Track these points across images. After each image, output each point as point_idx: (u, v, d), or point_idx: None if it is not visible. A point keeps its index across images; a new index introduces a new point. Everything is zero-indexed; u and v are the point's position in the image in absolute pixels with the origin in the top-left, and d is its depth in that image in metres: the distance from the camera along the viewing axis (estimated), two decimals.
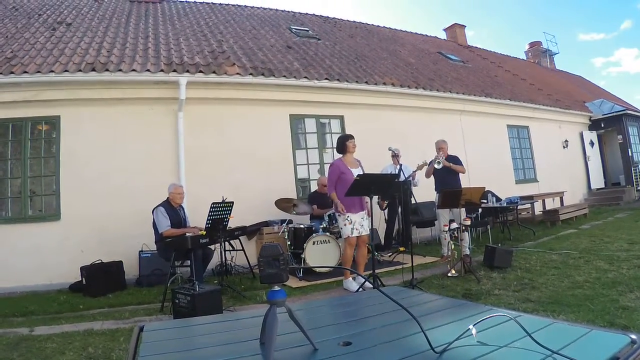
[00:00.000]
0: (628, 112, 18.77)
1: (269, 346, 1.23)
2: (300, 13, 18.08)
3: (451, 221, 7.69)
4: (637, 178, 17.81)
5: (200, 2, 16.19)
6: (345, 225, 6.34)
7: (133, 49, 9.63)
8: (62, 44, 9.34)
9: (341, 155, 6.72)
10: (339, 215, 6.41)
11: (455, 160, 8.32)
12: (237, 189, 8.78)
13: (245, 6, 16.99)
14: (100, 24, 11.23)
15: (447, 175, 8.16)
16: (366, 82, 11.18)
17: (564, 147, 17.18)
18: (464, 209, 7.50)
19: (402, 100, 11.93)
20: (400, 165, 8.13)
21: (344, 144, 6.67)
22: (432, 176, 8.44)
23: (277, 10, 17.50)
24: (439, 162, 8.04)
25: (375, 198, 6.90)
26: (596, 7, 73.20)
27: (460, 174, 8.35)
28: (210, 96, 9.30)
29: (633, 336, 1.25)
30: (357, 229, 6.37)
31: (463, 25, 23.51)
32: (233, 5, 16.77)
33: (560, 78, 24.34)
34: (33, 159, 8.25)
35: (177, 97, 8.63)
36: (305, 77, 10.21)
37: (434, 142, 8.58)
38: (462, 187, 7.89)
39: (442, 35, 23.52)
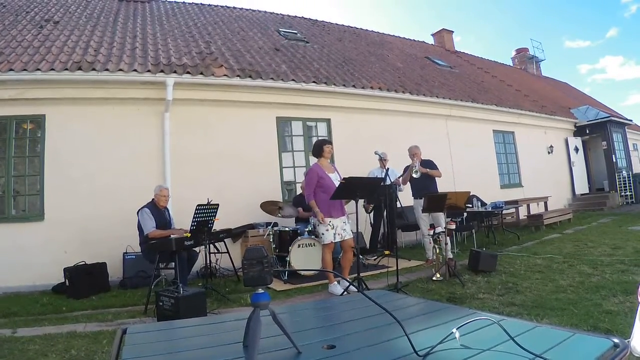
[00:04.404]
0: (612, 118, 19.02)
1: (252, 349, 1.22)
2: (289, 16, 18.07)
3: (432, 225, 7.72)
4: (620, 184, 18.01)
5: (189, 3, 16.13)
6: (327, 230, 6.32)
7: (120, 49, 9.57)
8: (49, 42, 9.25)
9: (316, 159, 6.72)
10: (319, 221, 6.38)
11: (430, 164, 8.30)
12: (222, 191, 8.74)
13: (234, 8, 16.96)
14: (87, 23, 11.14)
15: (424, 180, 8.14)
16: (353, 86, 11.20)
17: (549, 152, 17.35)
18: (443, 213, 7.50)
19: (389, 104, 11.97)
20: (387, 169, 8.14)
21: (320, 147, 6.64)
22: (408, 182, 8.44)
23: (265, 12, 17.49)
24: (416, 172, 8.02)
25: (361, 201, 6.91)
26: (583, 15, 74.31)
27: (437, 177, 8.36)
28: (197, 97, 9.27)
29: (616, 340, 1.26)
30: (339, 234, 6.36)
31: (451, 31, 23.68)
32: (222, 6, 16.73)
33: (546, 84, 24.58)
34: (17, 158, 8.16)
35: (164, 97, 8.58)
36: (293, 80, 10.22)
37: (420, 147, 8.57)
38: (448, 191, 7.90)
39: (430, 40, 23.68)
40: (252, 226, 9.05)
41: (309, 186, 6.47)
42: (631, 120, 21.15)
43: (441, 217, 7.59)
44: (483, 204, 11.22)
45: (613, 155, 18.43)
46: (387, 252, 8.46)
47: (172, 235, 6.38)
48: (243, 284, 1.69)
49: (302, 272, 7.50)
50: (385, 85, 12.12)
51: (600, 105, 23.83)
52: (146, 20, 12.43)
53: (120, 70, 8.42)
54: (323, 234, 6.35)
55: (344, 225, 6.43)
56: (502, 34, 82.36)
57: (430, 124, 12.96)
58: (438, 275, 6.88)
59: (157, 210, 6.98)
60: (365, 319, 1.75)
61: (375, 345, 1.40)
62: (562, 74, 78.12)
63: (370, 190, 6.76)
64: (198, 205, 6.68)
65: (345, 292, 6.07)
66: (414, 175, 8.03)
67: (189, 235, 6.44)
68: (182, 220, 7.57)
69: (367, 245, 9.49)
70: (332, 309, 2.15)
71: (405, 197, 8.77)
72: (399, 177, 8.61)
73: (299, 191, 9.66)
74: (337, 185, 6.10)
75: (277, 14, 17.74)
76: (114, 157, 8.42)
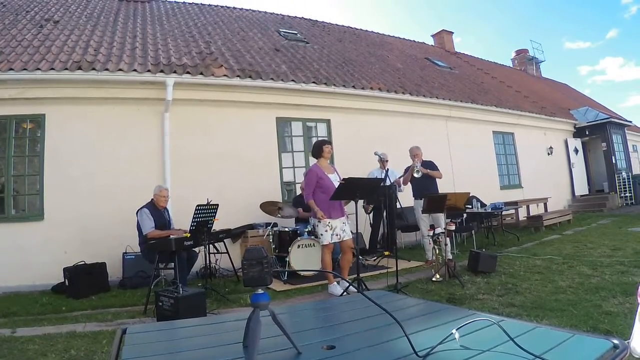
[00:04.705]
0: (612, 120, 19.04)
1: (252, 349, 1.22)
2: (289, 16, 18.06)
3: (432, 226, 7.72)
4: (620, 185, 18.01)
5: (189, 3, 16.11)
6: (326, 231, 6.30)
7: (120, 49, 9.57)
8: (49, 41, 9.25)
9: (316, 160, 6.72)
10: (318, 222, 6.36)
11: (431, 165, 8.32)
12: (222, 191, 8.74)
13: (234, 8, 16.95)
14: (88, 22, 11.14)
15: (424, 181, 8.15)
16: (353, 87, 11.21)
17: (548, 153, 17.35)
18: (443, 214, 7.50)
19: (389, 105, 11.97)
20: (387, 169, 8.14)
21: (320, 147, 6.64)
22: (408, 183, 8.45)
23: (266, 12, 17.48)
24: (418, 172, 8.02)
25: (361, 202, 6.91)
26: (583, 16, 74.33)
27: (437, 178, 8.37)
28: (197, 97, 9.27)
29: (615, 341, 1.26)
30: (338, 235, 6.35)
31: (451, 32, 23.67)
32: (222, 6, 16.72)
33: (546, 86, 24.58)
34: (17, 157, 8.16)
35: (164, 97, 8.58)
36: (293, 80, 10.22)
37: (419, 148, 8.57)
38: (447, 192, 7.90)
39: (430, 41, 23.68)
40: (251, 226, 9.05)
41: (308, 187, 6.46)
42: (631, 122, 21.16)
43: (441, 217, 7.60)
44: (483, 204, 11.22)
45: (613, 157, 18.43)
46: (386, 253, 8.44)
47: (171, 236, 6.38)
48: (243, 285, 1.69)
49: (302, 273, 7.50)
50: (385, 86, 12.12)
51: (600, 107, 23.83)
52: (146, 20, 12.43)
53: (120, 70, 8.42)
54: (322, 234, 6.34)
55: (343, 226, 6.42)
56: (502, 34, 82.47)
57: (430, 124, 12.96)
58: (438, 276, 6.88)
59: (157, 210, 6.98)
60: (365, 320, 1.75)
61: (375, 345, 1.40)
62: (562, 75, 78.30)
63: (370, 191, 6.76)
64: (198, 205, 6.68)
65: (345, 293, 6.07)
66: (415, 175, 8.03)
67: (189, 235, 6.44)
68: (181, 220, 7.58)
69: (367, 246, 9.49)
70: (331, 310, 2.15)
71: (405, 197, 8.77)
72: (399, 178, 8.61)
73: (298, 191, 9.65)
74: (336, 186, 6.10)
75: (277, 15, 17.73)
76: (113, 157, 8.41)
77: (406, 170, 8.39)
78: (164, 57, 9.52)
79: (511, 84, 20.17)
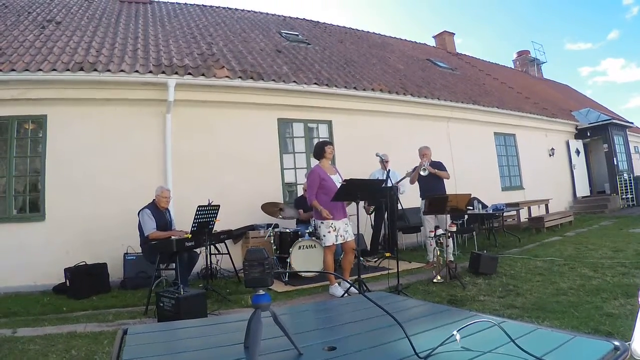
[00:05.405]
0: (614, 121, 19.00)
1: (253, 350, 1.22)
2: (291, 17, 18.07)
3: (436, 227, 7.71)
4: (622, 186, 17.99)
5: (191, 4, 16.12)
6: (329, 232, 6.30)
7: (122, 50, 9.57)
8: (51, 42, 9.26)
9: (318, 161, 6.71)
10: (322, 223, 6.36)
11: (439, 166, 8.33)
12: (223, 192, 8.74)
13: (236, 9, 16.95)
14: (89, 23, 11.16)
15: (431, 181, 8.16)
16: (355, 88, 11.20)
17: (550, 155, 17.33)
18: (448, 215, 7.50)
19: (390, 107, 11.97)
20: (388, 170, 8.14)
21: (322, 149, 6.63)
22: (416, 182, 8.45)
23: (267, 14, 17.49)
24: (424, 170, 8.03)
25: (362, 203, 6.92)
26: (584, 17, 74.18)
27: (444, 179, 8.37)
28: (199, 99, 9.27)
29: (616, 343, 1.26)
30: (341, 236, 6.36)
31: (452, 33, 23.64)
32: (223, 7, 16.73)
33: (548, 87, 24.55)
34: (19, 158, 8.16)
35: (166, 98, 8.58)
36: (294, 82, 10.22)
37: (428, 147, 8.57)
38: (448, 193, 7.89)
39: (432, 43, 23.64)
40: (252, 227, 9.04)
41: (311, 188, 6.46)
42: (632, 123, 21.13)
43: (446, 219, 7.58)
44: (484, 206, 11.19)
45: (614, 158, 18.40)
46: (387, 254, 8.45)
47: (172, 237, 6.39)
48: (244, 285, 1.69)
49: (303, 274, 7.49)
50: (387, 87, 12.11)
51: (602, 108, 23.79)
52: (148, 22, 12.44)
53: (122, 71, 8.41)
54: (325, 235, 6.34)
55: (345, 227, 6.42)
56: (503, 36, 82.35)
57: (432, 125, 12.95)
58: (439, 278, 6.87)
59: (158, 211, 6.98)
60: (366, 321, 1.75)
61: (376, 347, 1.40)
62: (563, 76, 78.10)
63: (371, 192, 6.75)
64: (199, 206, 6.68)
65: (346, 294, 6.07)
66: (422, 173, 8.04)
67: (190, 236, 6.44)
68: (183, 220, 7.58)
69: (368, 247, 9.49)
70: (332, 311, 2.15)
71: (407, 198, 8.76)
72: (400, 181, 8.61)
73: (300, 193, 9.66)
74: (339, 187, 6.10)
75: (279, 16, 17.74)
76: (115, 158, 8.42)
77: (414, 169, 8.39)
78: (166, 58, 9.53)
79: (513, 85, 20.17)
